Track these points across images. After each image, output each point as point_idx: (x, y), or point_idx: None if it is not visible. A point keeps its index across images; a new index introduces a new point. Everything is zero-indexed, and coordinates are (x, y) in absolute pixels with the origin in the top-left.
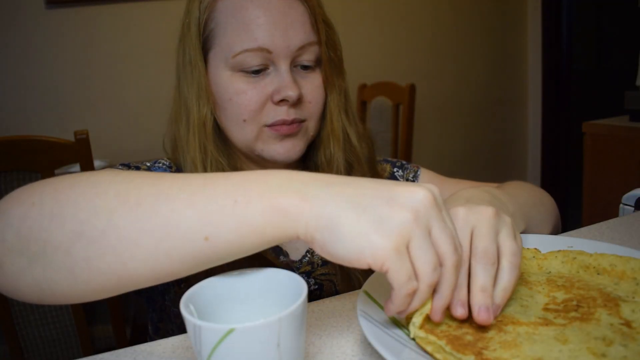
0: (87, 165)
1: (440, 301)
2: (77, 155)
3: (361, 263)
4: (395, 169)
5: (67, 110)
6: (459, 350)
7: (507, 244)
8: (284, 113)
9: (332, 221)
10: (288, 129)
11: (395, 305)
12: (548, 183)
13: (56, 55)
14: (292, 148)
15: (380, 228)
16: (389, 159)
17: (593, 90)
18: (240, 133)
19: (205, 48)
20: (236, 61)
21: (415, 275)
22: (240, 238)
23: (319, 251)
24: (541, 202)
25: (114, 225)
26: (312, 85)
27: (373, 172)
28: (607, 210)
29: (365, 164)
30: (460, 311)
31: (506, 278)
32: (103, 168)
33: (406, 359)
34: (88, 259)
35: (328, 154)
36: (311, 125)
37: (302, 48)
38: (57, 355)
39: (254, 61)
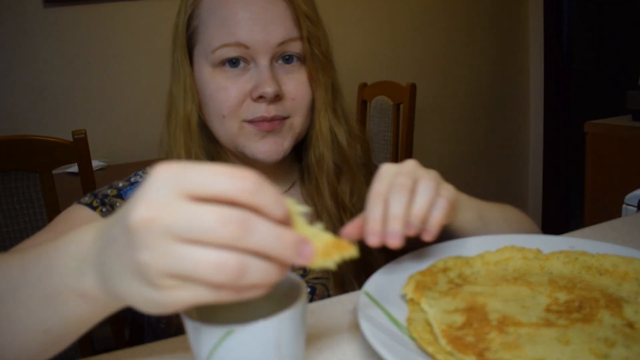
0: (85, 165)
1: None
2: (75, 155)
3: (166, 313)
4: None
5: (65, 110)
6: (460, 351)
7: (423, 175)
8: (263, 110)
9: (117, 292)
10: (269, 125)
11: (251, 285)
12: (550, 183)
13: (54, 54)
14: (275, 146)
15: (144, 281)
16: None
17: (595, 90)
18: (222, 129)
19: (190, 45)
20: (215, 56)
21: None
22: (76, 325)
23: None
24: (510, 216)
25: None
26: (296, 81)
27: (368, 174)
28: (609, 211)
29: (355, 165)
30: (372, 239)
31: (419, 199)
32: (101, 168)
33: None
34: None
35: (317, 154)
36: (297, 122)
37: (282, 44)
38: (56, 357)
39: (231, 55)
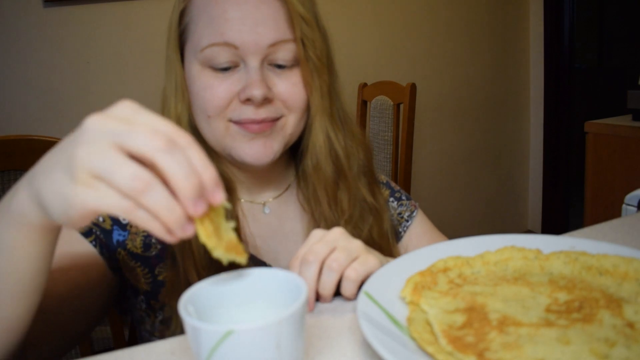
0: None
1: (182, 190)
2: None
3: (74, 218)
4: (391, 199)
5: (65, 110)
6: (460, 351)
7: (340, 247)
8: (251, 112)
9: (36, 194)
10: (258, 127)
11: (145, 227)
12: (550, 183)
13: (54, 53)
14: (263, 149)
15: (68, 173)
16: (391, 184)
17: (595, 89)
18: (208, 130)
19: (181, 42)
20: (204, 56)
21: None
22: (11, 263)
23: (64, 226)
24: None
25: None
26: (289, 82)
27: (371, 180)
28: (609, 211)
29: (353, 173)
30: None
31: (326, 276)
32: None
33: None
34: None
35: (314, 162)
36: (290, 122)
37: (274, 45)
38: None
39: (221, 57)
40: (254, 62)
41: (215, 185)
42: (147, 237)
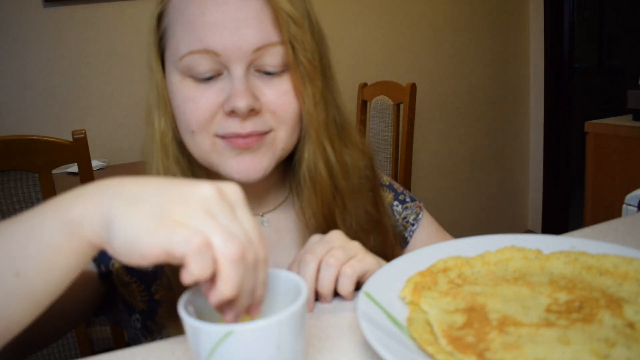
0: (85, 165)
1: (238, 304)
2: (75, 155)
3: (136, 256)
4: (395, 203)
5: (64, 110)
6: (460, 351)
7: (336, 247)
8: (237, 126)
9: (108, 216)
10: (244, 142)
11: (195, 269)
12: (550, 183)
13: (54, 53)
14: (252, 165)
15: (155, 218)
16: (394, 185)
17: (595, 89)
18: (193, 145)
19: (161, 49)
20: (183, 65)
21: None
22: (47, 263)
23: (113, 254)
24: None
25: None
26: (277, 92)
27: (373, 190)
28: (609, 211)
29: (352, 185)
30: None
31: (323, 273)
32: (101, 168)
33: None
34: None
35: (310, 174)
36: (280, 136)
37: (259, 50)
38: (54, 357)
39: (202, 66)
40: (238, 70)
41: (259, 304)
42: None
